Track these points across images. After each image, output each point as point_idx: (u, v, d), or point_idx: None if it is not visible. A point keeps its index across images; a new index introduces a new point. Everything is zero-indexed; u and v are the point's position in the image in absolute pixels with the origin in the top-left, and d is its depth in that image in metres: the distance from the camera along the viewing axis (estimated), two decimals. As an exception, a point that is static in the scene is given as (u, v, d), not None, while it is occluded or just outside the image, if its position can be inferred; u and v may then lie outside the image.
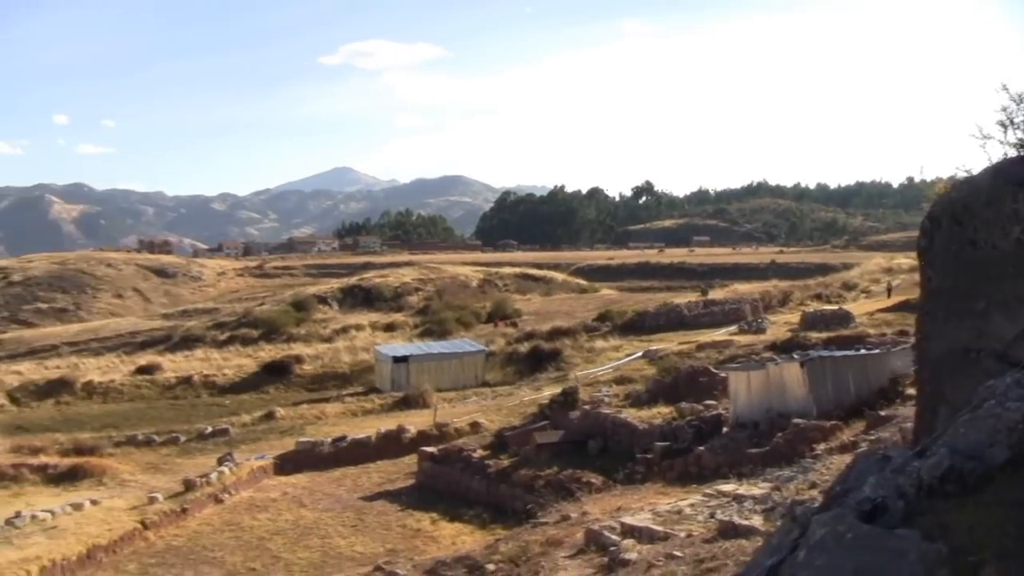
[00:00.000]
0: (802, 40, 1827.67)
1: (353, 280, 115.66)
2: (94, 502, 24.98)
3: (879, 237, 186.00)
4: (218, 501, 26.37)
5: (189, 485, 26.44)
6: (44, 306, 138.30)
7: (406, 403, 43.20)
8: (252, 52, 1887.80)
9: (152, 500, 25.25)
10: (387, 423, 35.96)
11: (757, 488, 15.24)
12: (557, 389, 37.22)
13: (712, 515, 13.56)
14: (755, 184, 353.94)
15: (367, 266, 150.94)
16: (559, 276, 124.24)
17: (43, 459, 29.97)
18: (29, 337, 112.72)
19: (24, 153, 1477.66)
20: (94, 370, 57.21)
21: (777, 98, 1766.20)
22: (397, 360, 50.04)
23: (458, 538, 22.85)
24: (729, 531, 11.56)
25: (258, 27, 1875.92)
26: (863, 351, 27.11)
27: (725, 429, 24.02)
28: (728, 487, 15.81)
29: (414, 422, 35.21)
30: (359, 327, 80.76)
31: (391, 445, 32.87)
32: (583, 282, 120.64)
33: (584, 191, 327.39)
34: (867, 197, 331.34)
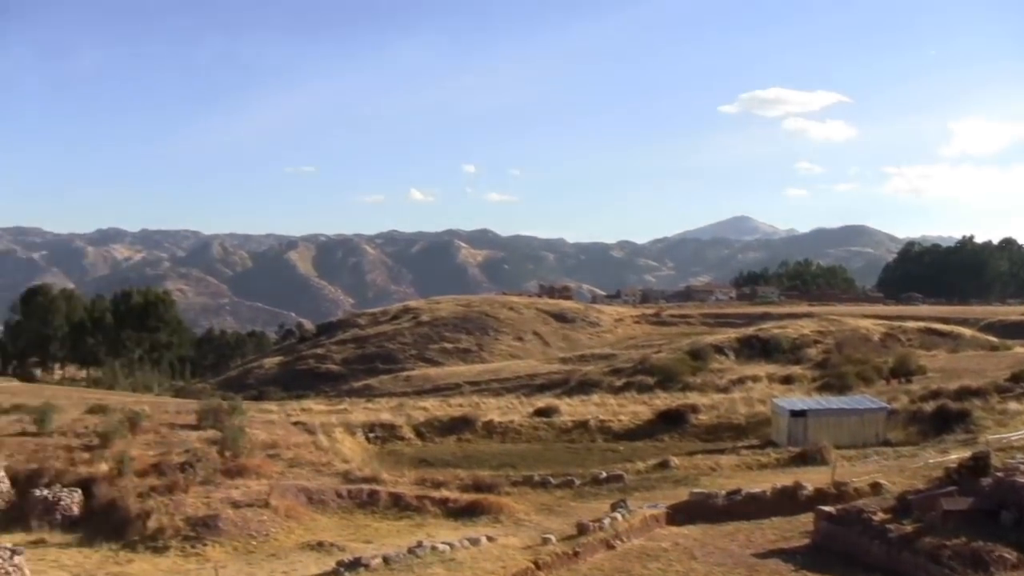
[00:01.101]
0: None
1: (750, 330, 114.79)
2: (490, 538, 26.21)
3: None
4: (610, 547, 26.77)
5: (582, 529, 27.07)
6: (449, 346, 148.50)
7: (803, 459, 41.86)
8: (652, 102, 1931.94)
9: (545, 541, 26.09)
10: (783, 479, 34.94)
11: None
12: (965, 453, 34.42)
13: None
14: None
15: (765, 316, 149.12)
16: (967, 332, 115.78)
17: (444, 493, 31.91)
18: (435, 375, 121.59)
19: (435, 201, 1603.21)
20: (494, 410, 60.32)
21: None
22: (795, 414, 48.72)
23: (856, 606, 21.70)
24: None
25: (658, 77, 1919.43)
26: None
27: None
28: None
29: (811, 479, 33.95)
30: (755, 378, 79.80)
31: (786, 502, 31.87)
32: (994, 339, 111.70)
33: (995, 242, 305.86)
34: None
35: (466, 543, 25.29)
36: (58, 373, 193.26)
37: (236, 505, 27.64)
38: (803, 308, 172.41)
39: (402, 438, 50.75)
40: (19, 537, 26.49)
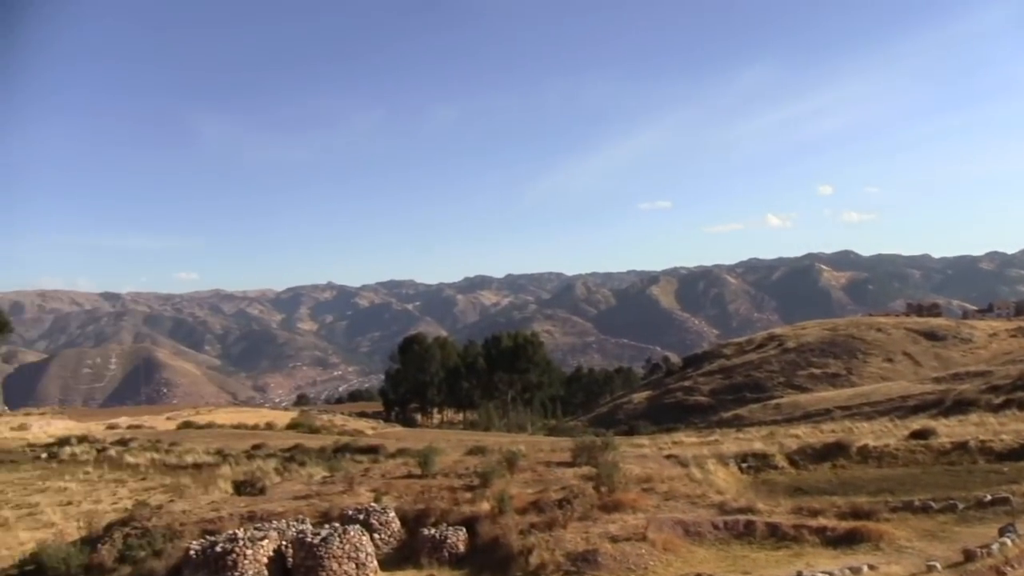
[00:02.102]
0: None
1: None
2: (872, 567, 25.20)
3: None
4: (1000, 574, 25.03)
5: (969, 555, 25.45)
6: (817, 371, 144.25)
7: None
8: (1006, 102, 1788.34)
9: (930, 568, 24.77)
10: None
11: None
12: None
13: None
14: None
15: None
16: None
17: (822, 521, 30.97)
18: (804, 401, 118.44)
19: (793, 225, 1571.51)
20: (867, 434, 57.78)
21: None
22: None
23: None
24: None
25: (1011, 76, 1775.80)
26: None
27: None
28: None
29: None
30: None
31: None
32: None
33: None
34: None
35: (847, 572, 24.46)
36: (437, 417, 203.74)
37: (614, 539, 28.02)
38: None
39: (775, 467, 49.63)
40: (411, 574, 28.12)
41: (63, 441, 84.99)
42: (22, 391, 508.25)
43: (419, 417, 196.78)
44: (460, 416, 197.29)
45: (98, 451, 75.95)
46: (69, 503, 53.24)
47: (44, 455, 75.91)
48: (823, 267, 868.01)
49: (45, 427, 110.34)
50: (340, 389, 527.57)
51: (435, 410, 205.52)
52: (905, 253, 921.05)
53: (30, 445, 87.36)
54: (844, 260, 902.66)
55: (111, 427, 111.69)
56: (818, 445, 51.59)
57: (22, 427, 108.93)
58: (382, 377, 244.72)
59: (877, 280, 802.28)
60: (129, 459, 70.14)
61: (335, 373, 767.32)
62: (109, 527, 38.82)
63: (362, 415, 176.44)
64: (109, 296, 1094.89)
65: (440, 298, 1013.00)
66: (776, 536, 29.64)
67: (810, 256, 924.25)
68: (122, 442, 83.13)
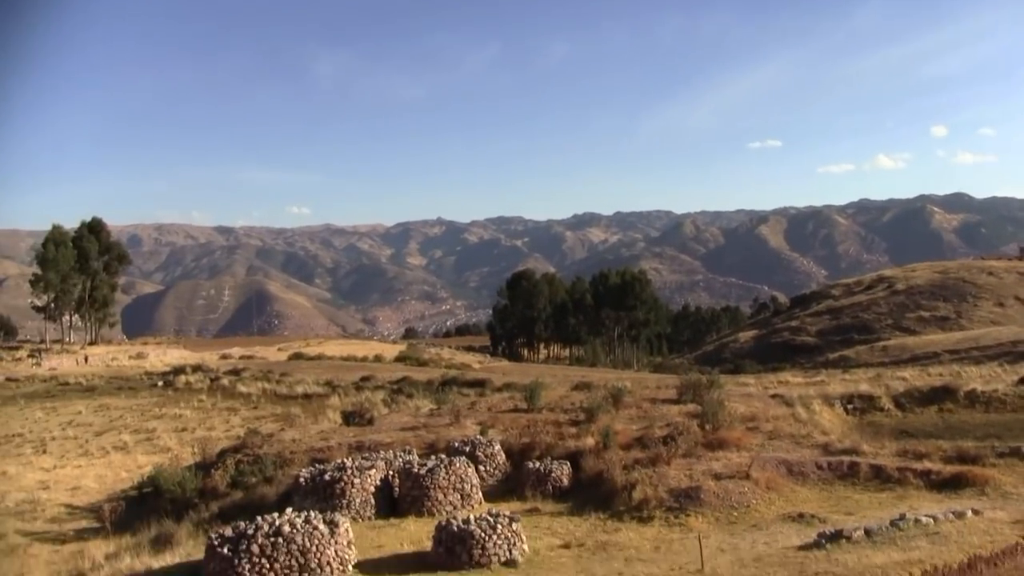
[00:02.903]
0: None
1: None
2: (976, 512, 24.69)
3: None
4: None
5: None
6: (926, 314, 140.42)
7: None
8: None
9: (1038, 514, 24.18)
10: None
11: None
12: None
13: None
14: None
15: None
16: None
17: (927, 465, 30.41)
18: (912, 344, 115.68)
19: (905, 166, 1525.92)
20: (976, 378, 56.29)
21: None
22: None
23: None
24: None
25: None
26: None
27: None
28: None
29: None
30: None
31: None
32: None
33: None
34: None
35: (951, 516, 24.03)
36: (543, 352, 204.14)
37: (717, 477, 27.94)
38: None
39: (881, 409, 48.72)
40: (515, 505, 28.25)
41: (178, 370, 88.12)
42: (139, 321, 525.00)
43: (525, 352, 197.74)
44: (566, 352, 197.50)
45: (211, 380, 78.64)
46: (184, 429, 55.52)
47: (160, 383, 79.01)
48: (935, 209, 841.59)
49: (161, 356, 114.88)
50: (448, 323, 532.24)
51: (541, 345, 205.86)
52: (1020, 196, 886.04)
53: (147, 373, 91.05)
54: (957, 202, 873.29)
55: (224, 357, 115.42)
56: (925, 388, 50.40)
57: (140, 356, 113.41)
58: (489, 312, 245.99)
59: (990, 223, 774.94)
60: (241, 388, 72.43)
61: (443, 307, 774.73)
62: (222, 454, 40.35)
63: (469, 349, 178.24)
64: (223, 230, 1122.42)
65: (549, 235, 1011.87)
66: (880, 478, 29.21)
67: (922, 198, 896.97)
68: (234, 372, 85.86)
